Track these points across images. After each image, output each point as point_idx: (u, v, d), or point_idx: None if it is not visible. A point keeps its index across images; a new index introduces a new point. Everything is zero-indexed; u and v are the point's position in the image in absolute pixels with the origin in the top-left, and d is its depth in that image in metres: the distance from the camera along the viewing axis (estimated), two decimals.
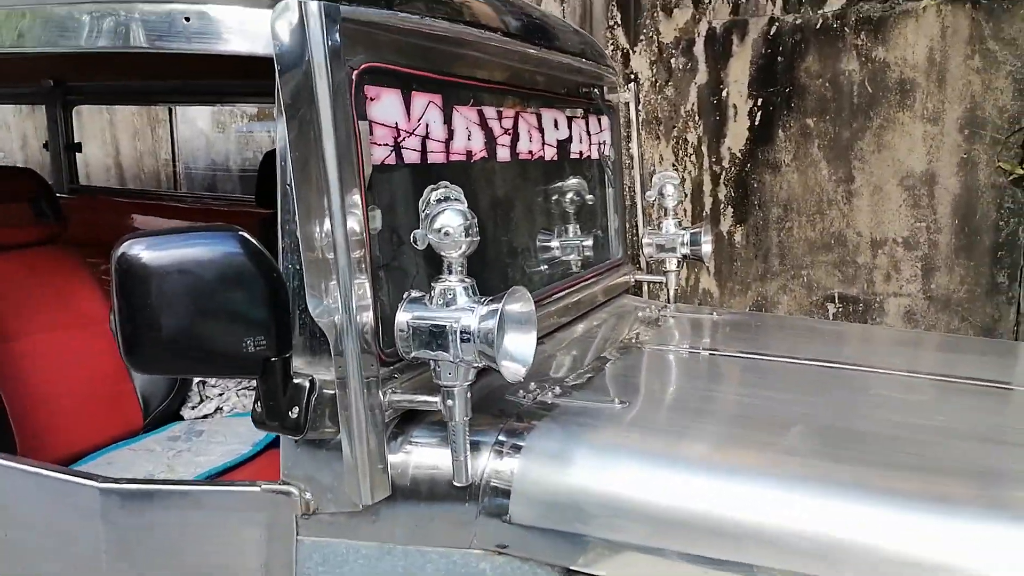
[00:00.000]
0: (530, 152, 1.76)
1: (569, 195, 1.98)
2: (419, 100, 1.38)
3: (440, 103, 1.43)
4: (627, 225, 2.38)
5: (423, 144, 1.40)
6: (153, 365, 1.15)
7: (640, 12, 3.54)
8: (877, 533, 1.07)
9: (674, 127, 3.59)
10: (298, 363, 1.23)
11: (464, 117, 1.52)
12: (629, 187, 2.54)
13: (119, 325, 1.09)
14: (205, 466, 1.84)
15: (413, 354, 1.21)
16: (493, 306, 1.16)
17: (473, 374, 1.21)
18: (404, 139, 1.35)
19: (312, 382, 1.21)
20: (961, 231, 3.16)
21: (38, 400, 1.90)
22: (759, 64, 3.39)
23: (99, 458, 1.90)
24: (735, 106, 3.45)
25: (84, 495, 1.34)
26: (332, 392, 1.21)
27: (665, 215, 2.23)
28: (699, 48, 3.49)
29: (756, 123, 3.41)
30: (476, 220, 1.20)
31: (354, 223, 1.18)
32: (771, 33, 3.34)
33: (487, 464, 1.25)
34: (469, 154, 1.53)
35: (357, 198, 1.19)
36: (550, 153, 1.86)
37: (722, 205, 3.55)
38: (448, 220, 1.18)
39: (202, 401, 2.28)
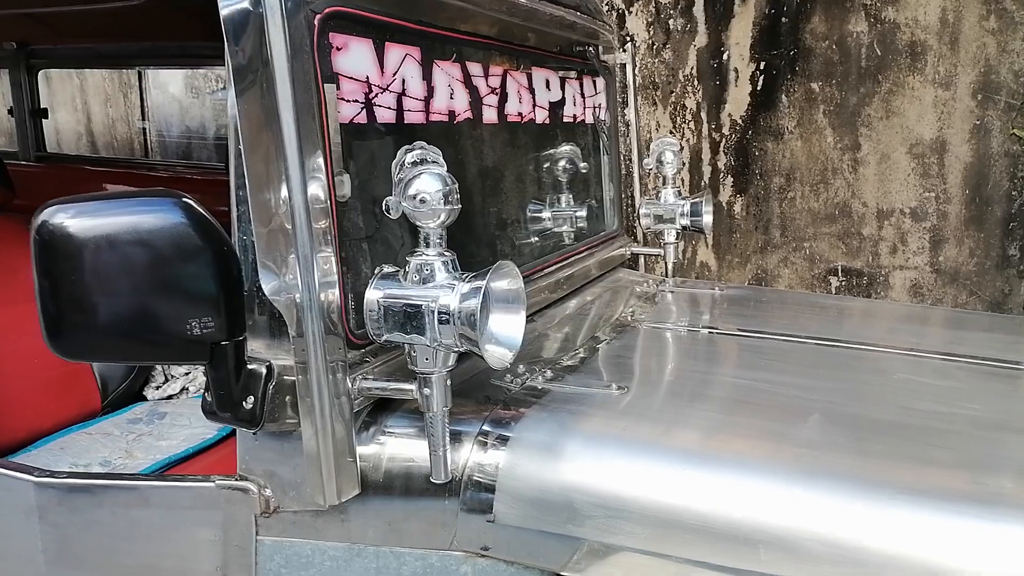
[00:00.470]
0: (519, 114, 1.67)
1: (561, 162, 1.90)
2: (394, 52, 1.26)
3: (419, 57, 1.32)
4: (623, 195, 2.30)
5: (399, 102, 1.28)
6: (81, 351, 1.02)
7: None
8: (917, 540, 0.95)
9: (672, 92, 3.48)
10: (255, 346, 1.12)
11: (446, 73, 1.40)
12: (625, 154, 2.44)
13: (40, 306, 0.95)
14: (167, 451, 1.72)
15: (385, 337, 1.09)
16: (476, 283, 1.04)
17: (453, 359, 1.10)
18: (377, 96, 1.24)
19: (270, 368, 1.09)
20: (972, 201, 3.05)
21: None
22: (762, 25, 3.26)
23: (51, 443, 1.78)
24: (736, 70, 3.34)
25: (19, 490, 1.23)
26: (293, 379, 1.10)
27: (664, 184, 2.13)
28: (699, 8, 3.36)
29: (758, 88, 3.31)
30: (457, 186, 1.07)
31: (317, 189, 1.06)
32: None
33: (469, 457, 1.16)
34: (452, 115, 1.43)
35: (320, 161, 1.06)
36: (541, 116, 1.76)
37: (721, 174, 3.44)
38: (424, 185, 1.05)
39: (167, 381, 2.15)
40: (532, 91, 1.72)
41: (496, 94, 1.57)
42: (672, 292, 2.08)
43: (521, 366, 1.39)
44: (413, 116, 1.32)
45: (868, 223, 3.21)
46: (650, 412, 1.29)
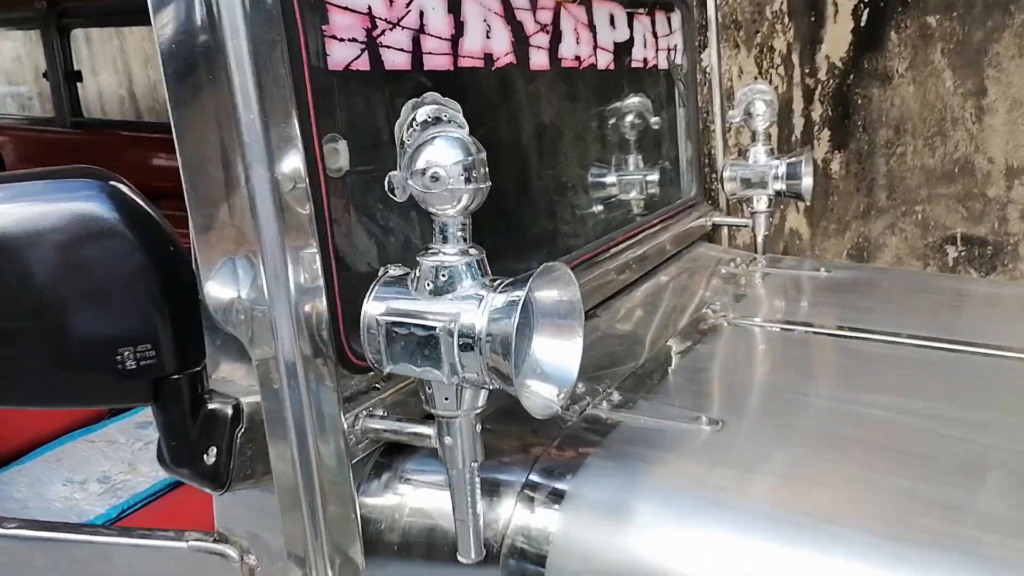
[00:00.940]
0: (577, 58, 1.42)
1: (628, 117, 1.66)
2: None
3: None
4: (702, 155, 2.05)
5: (415, 42, 1.00)
6: None
7: None
8: None
9: (757, 32, 3.13)
10: (220, 378, 0.84)
11: (480, 5, 1.14)
12: (704, 106, 2.16)
13: None
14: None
15: (388, 368, 0.80)
16: (513, 293, 0.75)
17: (484, 397, 0.82)
18: (384, 33, 0.96)
19: (237, 408, 0.82)
20: None
21: None
22: None
23: (47, 453, 1.60)
24: (836, 3, 2.98)
25: None
26: None
27: (753, 141, 1.84)
28: None
29: (862, 24, 2.95)
30: (484, 155, 0.77)
31: (295, 161, 0.78)
32: None
33: (512, 517, 0.91)
34: (488, 59, 1.16)
35: (294, 123, 0.77)
36: (604, 60, 1.51)
37: (816, 127, 3.08)
38: (437, 155, 0.76)
39: None
40: (593, 29, 1.46)
41: (547, 32, 1.31)
42: (764, 274, 1.77)
43: (581, 384, 1.11)
44: (436, 61, 1.05)
45: (994, 183, 2.83)
46: (756, 462, 0.97)
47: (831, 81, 3.02)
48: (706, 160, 2.12)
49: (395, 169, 0.80)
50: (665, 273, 1.70)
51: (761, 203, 1.84)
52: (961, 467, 0.92)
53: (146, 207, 0.76)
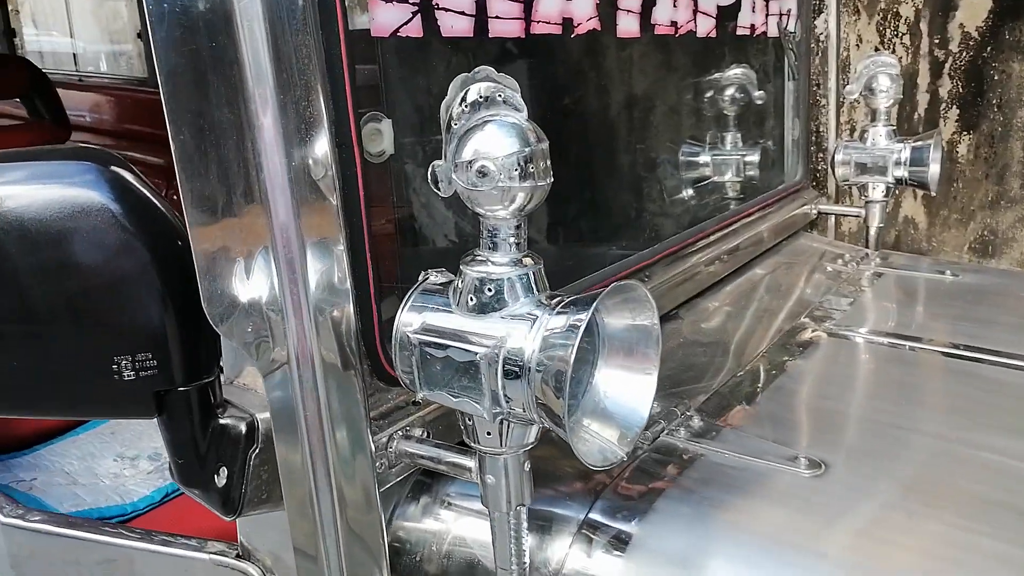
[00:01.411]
0: (673, 24, 1.26)
1: (729, 90, 1.51)
2: None
3: None
4: (810, 134, 1.89)
5: (479, 3, 0.87)
6: None
7: None
8: None
9: None
10: (242, 384, 0.75)
11: None
12: (815, 79, 1.97)
13: None
14: None
15: (422, 394, 0.68)
16: (575, 315, 0.62)
17: (536, 434, 0.70)
18: None
19: (251, 426, 0.72)
20: None
21: None
22: None
23: (101, 426, 1.58)
24: None
25: None
26: None
27: (873, 120, 1.65)
28: None
29: None
30: (546, 145, 0.63)
31: (321, 143, 0.66)
32: None
33: (566, 559, 0.80)
34: (567, 24, 1.02)
35: (319, 100, 0.65)
36: (705, 26, 1.35)
37: (943, 105, 2.78)
38: (487, 145, 0.63)
39: None
40: None
41: None
42: (877, 274, 1.56)
43: (655, 403, 0.94)
44: (503, 26, 0.92)
45: None
46: (865, 521, 0.80)
47: (964, 53, 2.72)
48: (814, 140, 1.91)
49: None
50: (761, 267, 1.53)
51: (877, 191, 1.66)
52: None
53: (150, 195, 0.66)
